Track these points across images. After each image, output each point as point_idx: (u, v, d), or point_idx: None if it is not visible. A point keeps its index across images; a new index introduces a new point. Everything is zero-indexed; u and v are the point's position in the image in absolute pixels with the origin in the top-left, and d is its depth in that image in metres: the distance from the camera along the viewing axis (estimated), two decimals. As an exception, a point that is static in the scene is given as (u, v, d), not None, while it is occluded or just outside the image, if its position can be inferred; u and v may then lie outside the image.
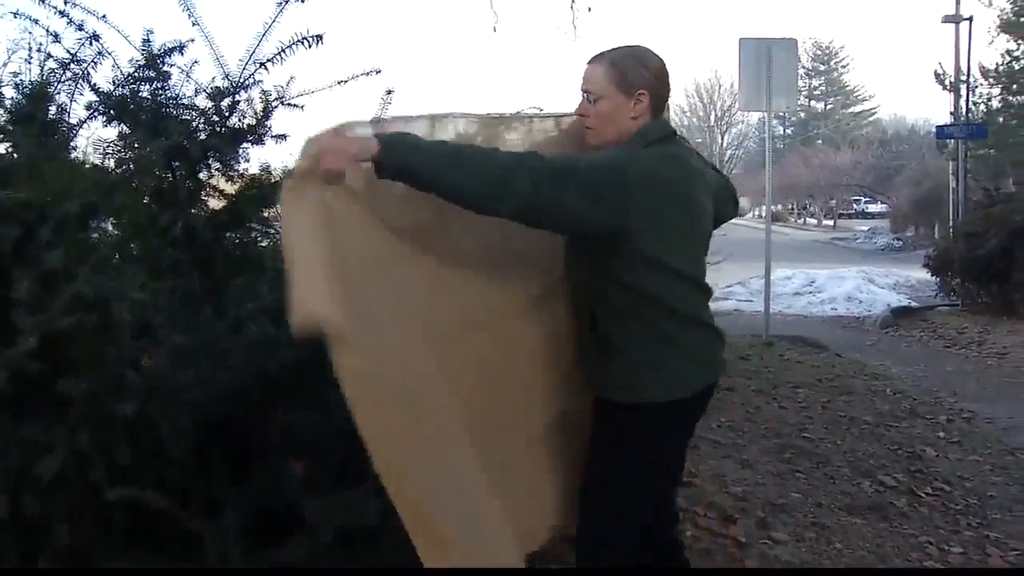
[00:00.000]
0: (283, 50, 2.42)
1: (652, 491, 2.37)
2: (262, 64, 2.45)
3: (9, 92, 2.81)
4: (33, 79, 2.83)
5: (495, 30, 8.41)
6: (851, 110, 64.25)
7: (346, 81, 2.93)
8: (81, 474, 1.79)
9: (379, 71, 3.02)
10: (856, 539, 3.75)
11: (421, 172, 1.88)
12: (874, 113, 63.43)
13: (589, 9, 7.97)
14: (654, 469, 2.34)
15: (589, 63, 2.29)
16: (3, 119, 2.73)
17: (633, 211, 2.06)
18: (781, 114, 10.58)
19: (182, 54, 2.61)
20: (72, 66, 2.72)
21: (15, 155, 2.45)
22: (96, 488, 1.84)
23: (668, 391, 2.22)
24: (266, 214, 2.95)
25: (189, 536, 1.90)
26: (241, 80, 2.58)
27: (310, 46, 2.36)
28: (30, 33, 2.81)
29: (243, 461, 2.29)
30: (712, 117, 60.67)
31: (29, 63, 2.85)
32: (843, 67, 64.54)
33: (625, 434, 2.27)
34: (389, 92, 3.61)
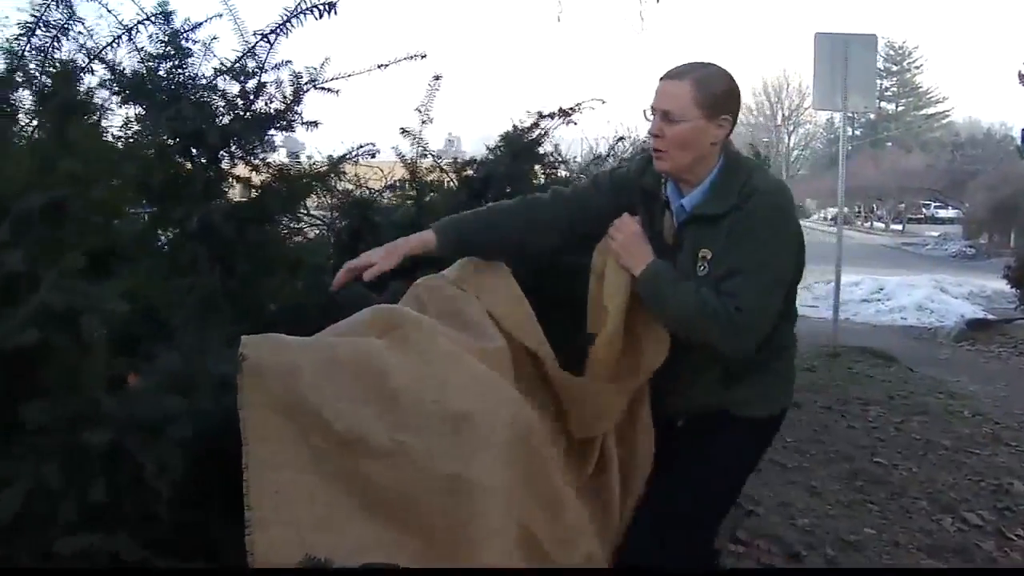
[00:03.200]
0: (288, 20, 2.12)
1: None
2: (264, 36, 2.15)
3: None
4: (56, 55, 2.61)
5: (559, 20, 8.08)
6: (923, 112, 62.51)
7: (387, 65, 2.66)
8: (50, 514, 1.53)
9: (424, 55, 2.73)
10: (938, 586, 3.37)
11: (657, 312, 2.21)
12: (947, 116, 61.62)
13: (657, 0, 7.59)
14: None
15: (666, 79, 2.12)
16: (30, 100, 2.51)
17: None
18: (851, 114, 10.12)
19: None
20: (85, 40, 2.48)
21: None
22: (71, 528, 1.58)
23: (788, 399, 2.39)
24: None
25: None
26: (266, 59, 2.32)
27: (320, 15, 2.06)
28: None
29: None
30: (779, 116, 59.54)
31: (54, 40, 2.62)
32: (916, 68, 62.83)
33: (745, 446, 2.32)
34: (437, 78, 3.34)
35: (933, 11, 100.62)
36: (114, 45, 2.15)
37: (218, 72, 2.25)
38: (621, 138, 4.52)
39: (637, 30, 12.12)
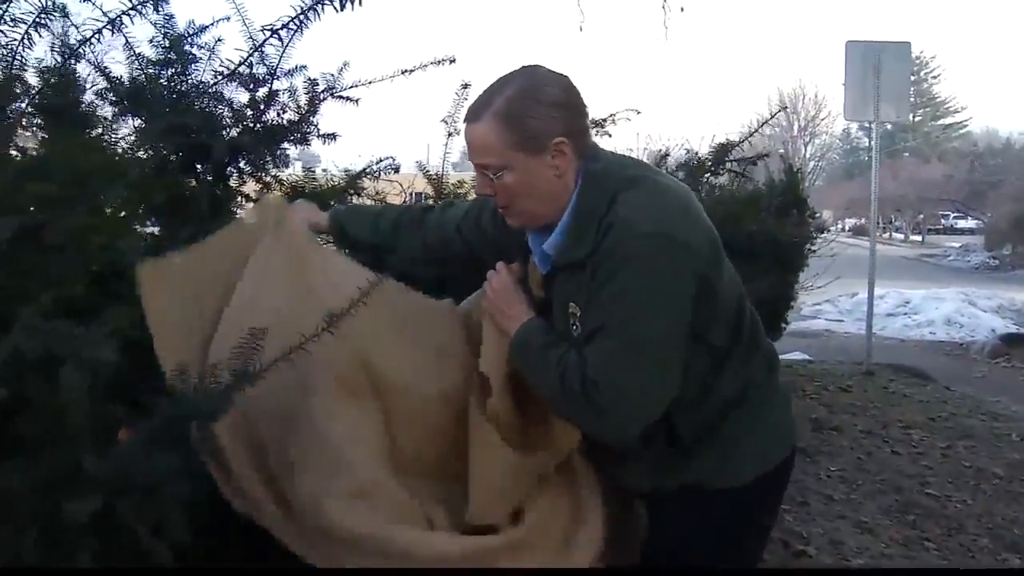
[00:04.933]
0: (304, 11, 1.86)
1: None
2: (274, 32, 1.90)
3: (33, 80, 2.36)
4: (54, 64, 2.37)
5: (581, 29, 7.83)
6: (941, 122, 62.02)
7: (412, 70, 2.41)
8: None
9: (453, 60, 2.48)
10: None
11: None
12: (965, 126, 61.13)
13: (682, 9, 7.33)
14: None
15: (467, 123, 1.67)
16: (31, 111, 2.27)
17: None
18: (870, 125, 9.81)
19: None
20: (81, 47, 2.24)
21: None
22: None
23: (780, 450, 1.85)
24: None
25: None
26: (278, 64, 2.07)
27: (343, 6, 1.78)
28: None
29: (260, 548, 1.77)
30: (795, 127, 59.13)
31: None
32: (933, 78, 62.38)
33: (731, 521, 1.79)
34: (466, 86, 3.09)
35: (950, 20, 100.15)
36: (99, 39, 1.90)
37: (220, 74, 2.00)
38: (666, 155, 4.24)
39: (661, 39, 11.88)
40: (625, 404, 1.57)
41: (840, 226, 46.58)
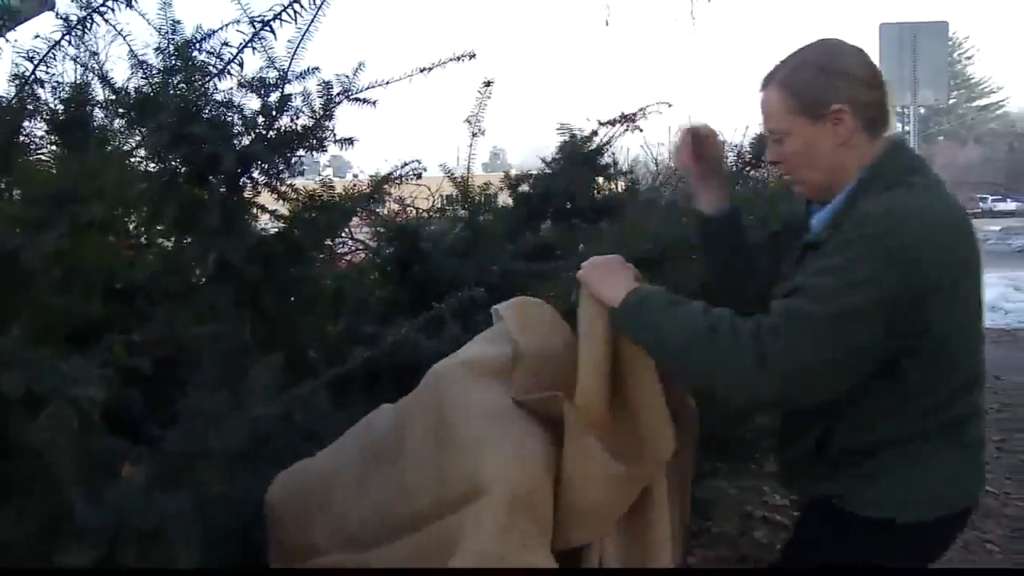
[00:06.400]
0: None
1: None
2: (266, 23, 1.79)
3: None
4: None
5: (607, 24, 7.68)
6: (976, 104, 60.98)
7: (431, 68, 2.29)
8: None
9: (473, 55, 2.35)
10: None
11: (649, 352, 1.64)
12: (1002, 106, 60.03)
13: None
14: None
15: (760, 91, 1.72)
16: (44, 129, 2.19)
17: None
18: (904, 109, 9.50)
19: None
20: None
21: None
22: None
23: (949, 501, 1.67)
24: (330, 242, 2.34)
25: None
26: (289, 67, 1.96)
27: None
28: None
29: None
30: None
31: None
32: (967, 59, 61.32)
33: (855, 555, 1.65)
34: (488, 84, 2.96)
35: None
36: (88, 28, 1.79)
37: (210, 74, 1.88)
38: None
39: (689, 30, 11.68)
40: (793, 365, 1.48)
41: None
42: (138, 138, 2.09)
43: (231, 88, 2.09)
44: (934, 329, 1.52)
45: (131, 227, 2.01)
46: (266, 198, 2.17)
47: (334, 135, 2.18)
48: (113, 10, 1.78)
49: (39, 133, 2.12)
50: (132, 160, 2.06)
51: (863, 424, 1.61)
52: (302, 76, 2.07)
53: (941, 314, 1.52)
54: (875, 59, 5.74)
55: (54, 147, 2.11)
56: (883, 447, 1.60)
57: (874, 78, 1.66)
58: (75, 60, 2.08)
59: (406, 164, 2.51)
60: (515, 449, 1.45)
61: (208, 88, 2.01)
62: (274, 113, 2.04)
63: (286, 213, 2.22)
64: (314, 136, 2.13)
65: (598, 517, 1.56)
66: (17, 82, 1.97)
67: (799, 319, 1.48)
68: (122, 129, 2.13)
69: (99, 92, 2.20)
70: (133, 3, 1.79)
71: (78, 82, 2.18)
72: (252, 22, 1.82)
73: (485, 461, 1.42)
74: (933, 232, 1.52)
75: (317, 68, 2.07)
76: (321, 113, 2.12)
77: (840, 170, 1.64)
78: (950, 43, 60.39)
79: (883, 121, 1.67)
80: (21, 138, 1.98)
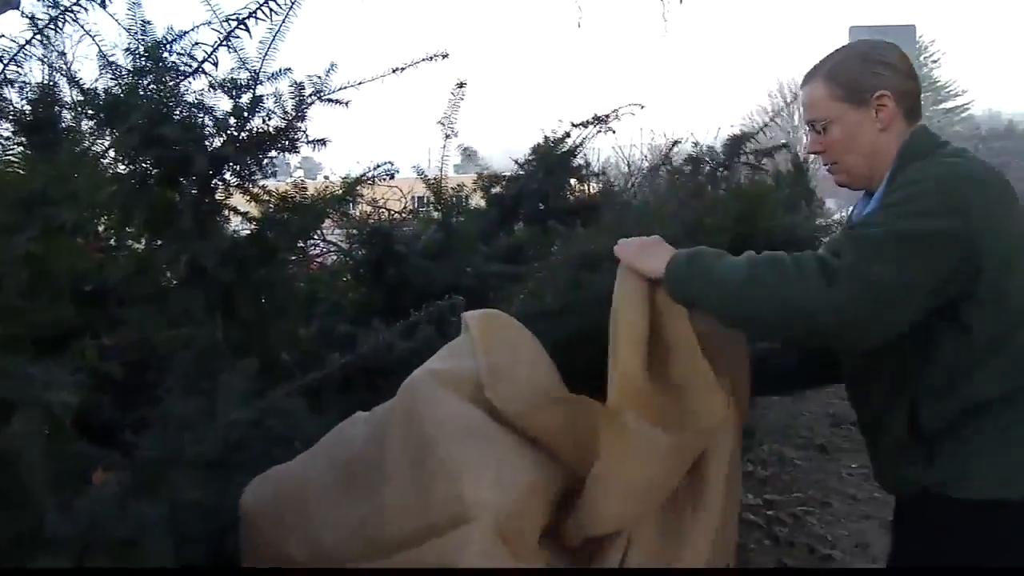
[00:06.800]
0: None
1: None
2: (241, 22, 1.77)
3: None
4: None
5: (579, 26, 7.72)
6: (942, 106, 61.69)
7: (403, 68, 2.28)
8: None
9: (446, 55, 2.35)
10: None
11: (707, 305, 1.61)
12: (967, 109, 60.76)
13: (680, 0, 7.21)
14: None
15: (803, 86, 1.81)
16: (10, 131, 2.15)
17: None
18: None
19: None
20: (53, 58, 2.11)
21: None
22: None
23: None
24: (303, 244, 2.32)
25: None
26: (260, 68, 1.94)
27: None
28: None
29: None
30: (796, 117, 59.01)
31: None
32: (934, 62, 62.05)
33: (959, 546, 1.60)
34: (461, 85, 2.96)
35: (948, 2, 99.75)
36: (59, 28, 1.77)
37: (184, 73, 1.86)
38: (676, 142, 4.11)
39: (661, 33, 11.73)
40: (859, 282, 1.46)
41: (843, 214, 46.45)
42: (108, 140, 2.07)
43: (202, 89, 2.06)
44: (987, 275, 1.54)
45: (101, 230, 1.99)
46: (238, 200, 2.15)
47: (306, 136, 2.16)
48: (85, 10, 1.74)
49: (5, 134, 2.11)
50: (102, 162, 2.04)
51: (944, 388, 1.58)
52: (274, 77, 2.05)
53: (987, 253, 1.54)
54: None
55: (21, 147, 2.08)
56: (970, 416, 1.57)
57: (911, 70, 1.76)
58: (42, 60, 2.06)
59: (379, 166, 2.49)
60: (496, 472, 1.42)
61: (179, 89, 1.98)
62: (246, 114, 2.02)
63: (258, 215, 2.20)
64: (286, 137, 2.11)
65: (643, 495, 1.51)
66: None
67: (861, 240, 1.52)
68: (91, 130, 2.11)
69: (67, 93, 2.19)
70: (106, 3, 1.76)
71: (45, 83, 2.17)
72: (227, 20, 1.80)
73: (466, 486, 1.40)
74: (982, 185, 1.60)
75: (289, 69, 2.06)
76: (293, 114, 2.10)
77: (881, 155, 1.71)
78: (917, 46, 61.31)
79: (918, 112, 1.76)
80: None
